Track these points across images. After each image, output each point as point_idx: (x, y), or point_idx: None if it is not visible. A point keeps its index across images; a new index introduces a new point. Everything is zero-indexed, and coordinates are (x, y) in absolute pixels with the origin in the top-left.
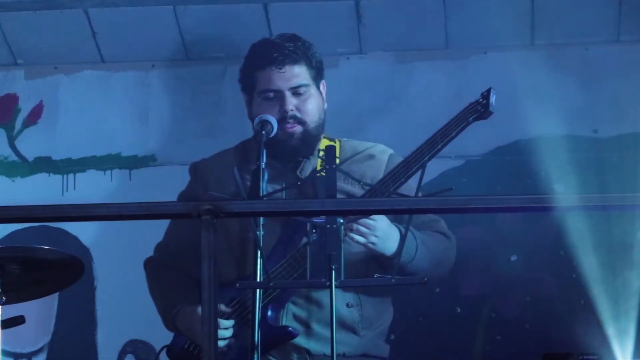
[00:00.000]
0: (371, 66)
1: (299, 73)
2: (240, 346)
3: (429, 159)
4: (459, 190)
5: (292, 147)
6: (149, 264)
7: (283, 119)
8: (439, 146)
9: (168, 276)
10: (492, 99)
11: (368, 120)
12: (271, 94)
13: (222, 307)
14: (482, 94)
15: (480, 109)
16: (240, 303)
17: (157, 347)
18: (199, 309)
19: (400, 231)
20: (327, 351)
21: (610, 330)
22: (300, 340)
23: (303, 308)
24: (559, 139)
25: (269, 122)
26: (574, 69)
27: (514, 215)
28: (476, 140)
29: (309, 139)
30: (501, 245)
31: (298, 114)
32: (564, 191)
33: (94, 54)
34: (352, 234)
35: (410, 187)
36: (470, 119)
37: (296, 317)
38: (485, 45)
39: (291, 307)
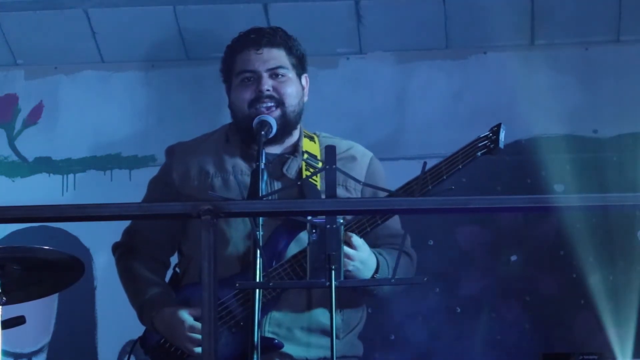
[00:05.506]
0: (371, 66)
1: (277, 56)
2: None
3: (432, 188)
4: (459, 190)
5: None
6: (118, 250)
7: (258, 98)
8: (444, 177)
9: (142, 269)
10: (502, 134)
11: (368, 120)
12: (248, 75)
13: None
14: (491, 128)
15: (489, 145)
16: (224, 307)
17: None
18: (178, 313)
19: (377, 260)
20: (310, 355)
21: (610, 330)
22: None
23: (285, 313)
24: (559, 139)
25: (268, 123)
26: (574, 69)
27: (514, 215)
28: None
29: (287, 124)
30: (501, 245)
31: (275, 95)
32: (564, 191)
33: (94, 54)
34: None
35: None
36: (479, 154)
37: (278, 323)
38: (485, 45)
39: (273, 313)
